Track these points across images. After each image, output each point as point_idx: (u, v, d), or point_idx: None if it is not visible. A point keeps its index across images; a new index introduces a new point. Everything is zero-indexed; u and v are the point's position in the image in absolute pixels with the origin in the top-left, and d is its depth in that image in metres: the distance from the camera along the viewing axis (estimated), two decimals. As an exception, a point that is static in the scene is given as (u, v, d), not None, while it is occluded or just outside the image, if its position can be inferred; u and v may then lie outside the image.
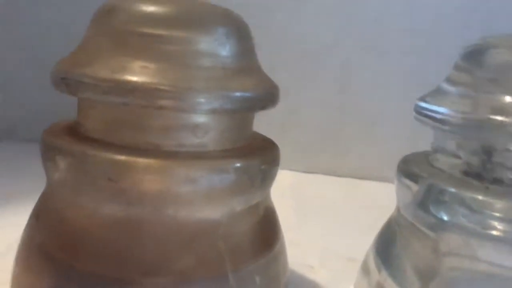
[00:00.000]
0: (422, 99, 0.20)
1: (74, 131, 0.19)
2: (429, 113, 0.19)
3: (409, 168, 0.20)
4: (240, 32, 0.19)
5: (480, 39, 0.20)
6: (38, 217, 0.19)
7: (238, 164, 0.18)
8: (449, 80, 0.20)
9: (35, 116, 0.44)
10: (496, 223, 0.17)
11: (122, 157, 0.17)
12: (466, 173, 0.18)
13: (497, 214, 0.17)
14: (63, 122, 0.20)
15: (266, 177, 0.19)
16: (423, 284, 0.18)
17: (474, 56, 0.20)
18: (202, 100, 0.17)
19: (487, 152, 0.17)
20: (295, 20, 0.44)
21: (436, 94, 0.20)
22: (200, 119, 0.18)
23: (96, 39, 0.18)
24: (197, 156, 0.17)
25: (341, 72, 0.44)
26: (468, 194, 0.17)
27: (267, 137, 0.22)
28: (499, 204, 0.16)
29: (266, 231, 0.21)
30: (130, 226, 0.17)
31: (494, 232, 0.17)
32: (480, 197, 0.17)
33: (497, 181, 0.17)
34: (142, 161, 0.17)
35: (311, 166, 0.45)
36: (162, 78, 0.17)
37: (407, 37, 0.43)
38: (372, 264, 0.22)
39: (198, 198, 0.17)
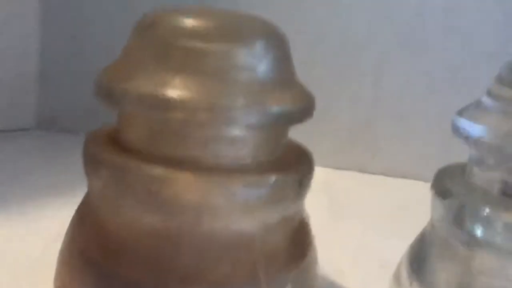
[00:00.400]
0: (460, 113, 0.20)
1: (115, 141, 0.19)
2: (467, 131, 0.18)
3: (443, 184, 0.20)
4: (278, 45, 0.19)
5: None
6: (80, 223, 0.20)
7: (274, 178, 0.18)
8: (490, 94, 0.20)
9: (75, 106, 0.46)
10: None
11: (162, 170, 0.17)
12: (503, 192, 0.18)
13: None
14: (105, 129, 0.21)
15: (301, 189, 0.20)
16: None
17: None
18: (240, 115, 0.17)
19: None
20: (330, 14, 0.44)
21: (475, 109, 0.20)
22: (238, 133, 0.18)
23: (138, 52, 0.18)
24: (234, 169, 0.18)
25: (376, 67, 0.44)
26: (504, 214, 0.17)
27: (302, 145, 0.22)
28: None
29: (299, 241, 0.21)
30: (168, 236, 0.18)
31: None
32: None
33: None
34: (181, 174, 0.17)
35: (342, 163, 0.45)
36: (202, 93, 0.17)
37: (445, 34, 0.42)
38: (404, 275, 0.22)
39: (234, 211, 0.18)
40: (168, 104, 0.17)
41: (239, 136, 0.18)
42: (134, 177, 0.17)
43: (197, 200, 0.17)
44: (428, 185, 0.21)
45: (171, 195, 0.17)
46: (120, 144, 0.19)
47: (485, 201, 0.18)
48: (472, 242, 0.18)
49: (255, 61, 0.18)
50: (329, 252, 0.29)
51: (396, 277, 0.23)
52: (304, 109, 0.19)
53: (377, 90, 0.45)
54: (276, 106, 0.18)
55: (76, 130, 0.45)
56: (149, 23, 0.19)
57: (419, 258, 0.22)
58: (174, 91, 0.17)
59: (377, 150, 0.45)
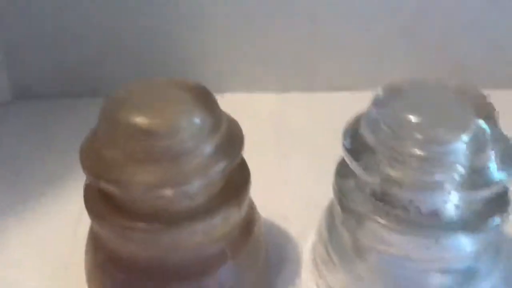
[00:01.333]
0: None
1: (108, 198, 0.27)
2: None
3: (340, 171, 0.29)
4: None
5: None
6: (95, 248, 0.29)
7: (222, 210, 0.27)
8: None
9: (47, 72, 0.50)
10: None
11: (147, 226, 0.26)
12: (372, 195, 0.27)
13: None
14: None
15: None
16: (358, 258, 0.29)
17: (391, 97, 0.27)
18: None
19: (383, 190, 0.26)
20: None
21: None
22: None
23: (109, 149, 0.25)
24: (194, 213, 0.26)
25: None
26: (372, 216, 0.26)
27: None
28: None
29: (248, 220, 0.31)
30: (158, 255, 0.27)
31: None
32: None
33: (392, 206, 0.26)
34: (159, 224, 0.26)
35: (285, 86, 0.52)
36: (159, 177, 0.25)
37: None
38: (323, 228, 0.32)
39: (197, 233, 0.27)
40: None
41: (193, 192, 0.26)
42: (130, 232, 0.26)
43: (172, 239, 0.26)
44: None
45: (157, 238, 0.26)
46: (111, 200, 0.27)
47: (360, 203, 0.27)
48: (358, 223, 0.28)
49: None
50: (273, 200, 0.38)
51: (319, 229, 0.33)
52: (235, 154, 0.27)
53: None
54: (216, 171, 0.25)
55: (53, 95, 0.51)
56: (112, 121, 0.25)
57: (331, 222, 0.31)
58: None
59: (316, 70, 0.52)
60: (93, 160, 0.25)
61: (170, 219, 0.26)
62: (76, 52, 0.49)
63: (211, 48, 0.50)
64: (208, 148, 0.26)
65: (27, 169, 0.42)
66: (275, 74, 0.52)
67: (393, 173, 0.25)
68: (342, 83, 0.51)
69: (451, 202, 0.25)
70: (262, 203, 0.33)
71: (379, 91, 0.27)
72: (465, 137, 0.25)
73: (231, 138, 0.27)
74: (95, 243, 0.29)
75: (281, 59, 0.51)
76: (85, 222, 0.30)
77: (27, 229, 0.36)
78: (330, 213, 0.32)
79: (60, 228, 0.36)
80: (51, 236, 0.35)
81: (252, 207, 0.32)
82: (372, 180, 0.25)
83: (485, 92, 0.27)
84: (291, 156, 0.43)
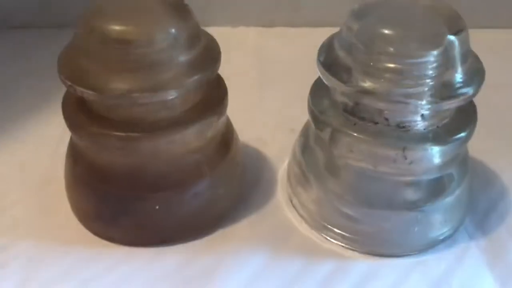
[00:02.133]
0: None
1: (83, 107, 0.27)
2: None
3: (315, 92, 0.30)
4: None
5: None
6: (74, 160, 0.29)
7: (198, 122, 0.27)
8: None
9: (25, 2, 0.49)
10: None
11: (123, 134, 0.26)
12: (344, 110, 0.28)
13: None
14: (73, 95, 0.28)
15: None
16: (331, 175, 0.30)
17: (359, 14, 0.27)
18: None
19: (356, 103, 0.27)
20: None
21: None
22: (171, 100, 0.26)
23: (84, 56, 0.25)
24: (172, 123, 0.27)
25: None
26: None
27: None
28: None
29: (226, 138, 0.31)
30: (135, 165, 0.28)
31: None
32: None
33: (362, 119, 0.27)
34: (135, 134, 0.26)
35: (270, 21, 0.52)
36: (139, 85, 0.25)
37: None
38: (297, 149, 0.33)
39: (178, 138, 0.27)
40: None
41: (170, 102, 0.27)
42: (107, 140, 0.26)
43: (150, 147, 0.27)
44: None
45: (133, 147, 0.27)
46: (88, 110, 0.27)
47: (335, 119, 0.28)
48: (331, 137, 0.28)
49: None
50: (253, 125, 0.39)
51: (293, 152, 0.33)
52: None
53: None
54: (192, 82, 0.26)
55: (30, 25, 0.50)
56: (88, 29, 0.25)
57: (304, 142, 0.32)
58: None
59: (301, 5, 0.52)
60: (70, 67, 0.26)
61: (147, 128, 0.26)
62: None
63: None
64: (184, 59, 0.26)
65: (9, 95, 0.42)
66: (259, 8, 0.52)
67: (366, 85, 0.25)
68: (325, 18, 0.51)
69: (419, 113, 0.26)
70: (242, 127, 0.34)
71: (354, 7, 0.27)
72: (435, 52, 0.25)
73: (208, 52, 0.28)
74: (74, 154, 0.30)
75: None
76: (66, 142, 0.31)
77: (11, 148, 0.37)
78: (304, 134, 0.32)
79: (43, 146, 0.37)
80: (34, 154, 0.36)
81: (229, 127, 0.32)
82: (347, 91, 0.26)
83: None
84: (271, 86, 0.44)
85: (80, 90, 0.25)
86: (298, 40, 0.51)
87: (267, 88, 0.44)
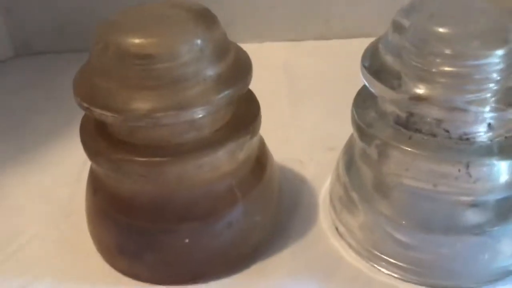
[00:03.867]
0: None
1: (103, 131, 0.25)
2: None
3: (359, 103, 0.26)
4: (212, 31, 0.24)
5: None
6: (95, 191, 0.27)
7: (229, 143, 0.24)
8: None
9: (45, 28, 0.49)
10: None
11: (146, 159, 0.23)
12: (396, 122, 0.24)
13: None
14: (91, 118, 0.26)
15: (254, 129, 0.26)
16: (380, 196, 0.26)
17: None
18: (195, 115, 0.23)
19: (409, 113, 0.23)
20: None
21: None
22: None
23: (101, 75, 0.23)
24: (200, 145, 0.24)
25: None
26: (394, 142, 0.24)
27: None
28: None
29: (260, 162, 0.28)
30: (161, 193, 0.25)
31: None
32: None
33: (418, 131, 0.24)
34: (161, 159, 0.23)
35: (297, 34, 0.50)
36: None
37: None
38: (341, 172, 0.29)
39: (203, 173, 0.24)
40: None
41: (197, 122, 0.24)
42: (129, 167, 0.23)
43: (176, 173, 0.24)
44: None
45: (158, 173, 0.24)
46: (108, 135, 0.25)
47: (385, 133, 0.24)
48: (381, 153, 0.25)
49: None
50: (288, 145, 0.36)
51: (337, 169, 0.30)
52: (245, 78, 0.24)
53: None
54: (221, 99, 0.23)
55: (53, 51, 0.49)
56: (103, 45, 0.23)
57: (349, 160, 0.29)
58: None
59: (329, 17, 0.49)
60: (86, 88, 0.23)
61: (173, 151, 0.24)
62: (76, 7, 0.47)
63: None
64: (211, 73, 0.23)
65: (30, 122, 0.40)
66: (285, 22, 0.50)
67: (420, 91, 0.22)
68: (356, 30, 0.49)
69: (484, 122, 0.22)
70: (276, 147, 0.31)
71: (404, 4, 0.24)
72: (499, 51, 0.22)
73: (238, 66, 0.25)
74: (94, 183, 0.27)
75: (293, 6, 0.48)
76: (87, 173, 0.28)
77: (30, 177, 0.35)
78: (348, 151, 0.29)
79: (63, 176, 0.34)
80: (53, 184, 0.34)
81: (263, 148, 0.29)
82: (398, 98, 0.22)
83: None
84: (304, 102, 0.41)
85: (98, 112, 0.22)
86: (328, 53, 0.48)
87: (300, 105, 0.41)
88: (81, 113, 0.25)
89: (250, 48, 0.49)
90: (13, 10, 0.48)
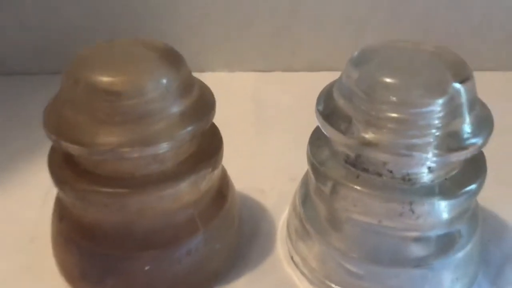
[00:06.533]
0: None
1: (70, 162, 0.26)
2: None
3: (313, 141, 0.28)
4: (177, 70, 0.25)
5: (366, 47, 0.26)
6: (61, 217, 0.28)
7: (191, 176, 0.26)
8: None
9: (22, 48, 0.49)
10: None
11: (111, 190, 0.25)
12: (346, 161, 0.26)
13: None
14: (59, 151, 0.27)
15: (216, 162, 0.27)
16: (333, 229, 0.28)
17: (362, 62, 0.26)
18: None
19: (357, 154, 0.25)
20: None
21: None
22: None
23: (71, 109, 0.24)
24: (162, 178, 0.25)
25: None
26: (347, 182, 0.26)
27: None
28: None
29: (221, 190, 0.30)
30: (124, 223, 0.26)
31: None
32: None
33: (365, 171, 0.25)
34: (123, 190, 0.25)
35: (267, 65, 0.52)
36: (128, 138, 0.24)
37: None
38: (297, 200, 0.31)
39: (166, 204, 0.26)
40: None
41: (161, 155, 0.25)
42: (94, 197, 0.25)
43: (139, 204, 0.25)
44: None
45: (120, 204, 0.25)
46: (75, 164, 0.26)
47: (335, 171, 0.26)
48: (332, 190, 0.27)
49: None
50: (251, 174, 0.37)
51: (293, 204, 0.32)
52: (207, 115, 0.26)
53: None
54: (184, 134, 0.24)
55: (28, 72, 0.50)
56: (74, 80, 0.24)
57: (305, 193, 0.30)
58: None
59: (298, 49, 0.51)
60: (55, 120, 0.24)
61: (137, 183, 0.25)
62: (53, 29, 0.48)
63: (190, 28, 0.49)
64: (176, 110, 0.25)
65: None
66: (256, 53, 0.51)
67: (368, 136, 0.24)
68: (322, 63, 0.51)
69: (425, 165, 0.24)
70: (238, 176, 0.32)
71: (353, 54, 0.26)
72: (441, 100, 0.24)
73: (202, 102, 0.27)
74: (60, 212, 0.28)
75: (262, 39, 0.50)
76: (53, 197, 0.29)
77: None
78: (304, 185, 0.31)
79: (30, 199, 0.35)
80: (19, 208, 0.34)
81: (225, 178, 0.31)
82: (348, 142, 0.24)
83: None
84: (269, 132, 0.43)
85: (66, 145, 0.23)
86: (294, 84, 0.50)
87: (265, 135, 0.42)
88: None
89: (220, 76, 0.51)
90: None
